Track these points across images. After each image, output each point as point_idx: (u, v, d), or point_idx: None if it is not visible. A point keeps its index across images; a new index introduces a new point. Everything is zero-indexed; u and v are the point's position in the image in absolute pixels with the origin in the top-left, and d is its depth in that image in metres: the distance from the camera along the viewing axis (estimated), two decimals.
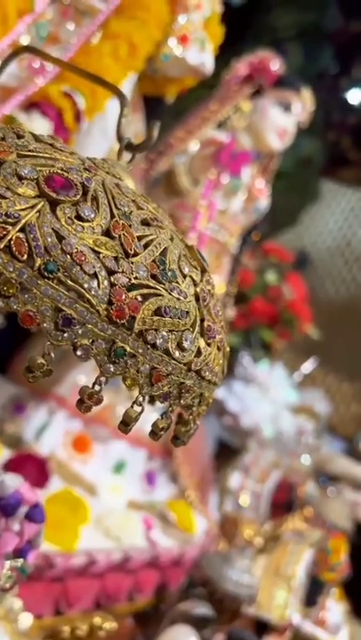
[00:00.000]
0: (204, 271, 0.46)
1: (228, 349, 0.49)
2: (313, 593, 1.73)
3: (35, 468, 1.41)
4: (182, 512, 1.64)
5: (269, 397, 1.99)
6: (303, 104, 1.88)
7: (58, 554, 1.15)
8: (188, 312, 0.42)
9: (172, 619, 1.16)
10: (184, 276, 0.43)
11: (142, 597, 1.43)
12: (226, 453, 2.14)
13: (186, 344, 0.41)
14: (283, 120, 1.83)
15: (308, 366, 2.39)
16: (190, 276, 0.43)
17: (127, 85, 1.44)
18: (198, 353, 0.43)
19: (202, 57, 1.51)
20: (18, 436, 1.52)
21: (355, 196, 3.40)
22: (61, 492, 1.36)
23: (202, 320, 0.43)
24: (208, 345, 0.44)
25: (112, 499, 1.54)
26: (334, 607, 1.87)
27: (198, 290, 0.44)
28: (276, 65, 1.86)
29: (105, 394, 1.52)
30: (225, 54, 2.01)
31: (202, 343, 0.43)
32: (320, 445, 2.21)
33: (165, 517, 1.60)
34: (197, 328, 0.43)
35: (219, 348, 0.46)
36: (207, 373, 0.44)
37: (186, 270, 0.43)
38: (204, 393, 0.45)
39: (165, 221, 0.46)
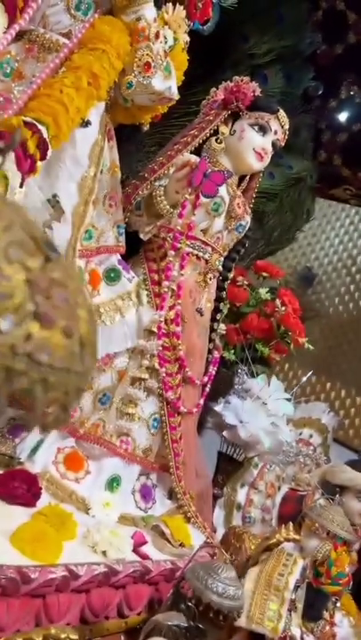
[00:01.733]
0: (48, 260, 0.48)
1: (89, 338, 0.50)
2: (316, 606, 1.69)
3: (25, 486, 1.43)
4: (177, 527, 1.63)
5: (267, 410, 2.00)
6: (280, 125, 1.92)
7: (34, 568, 1.14)
8: (10, 295, 0.44)
9: (147, 631, 1.15)
10: (10, 262, 0.45)
11: (134, 613, 1.42)
12: (229, 467, 2.14)
13: (4, 325, 0.43)
14: (260, 140, 1.88)
15: (304, 378, 2.40)
16: (21, 263, 0.46)
17: (94, 114, 1.50)
18: (28, 337, 0.44)
19: (167, 83, 1.57)
20: (10, 455, 1.55)
21: (354, 212, 3.44)
22: (47, 508, 1.36)
23: (36, 305, 0.45)
24: (45, 329, 0.45)
25: (105, 515, 1.54)
26: (343, 621, 1.83)
27: (31, 276, 0.46)
28: (251, 88, 1.91)
29: (95, 411, 1.55)
30: (205, 83, 2.08)
31: (34, 328, 0.45)
32: (322, 456, 2.19)
33: (160, 532, 1.60)
34: (26, 312, 0.44)
35: (67, 335, 0.47)
36: (45, 357, 0.45)
37: (14, 257, 0.45)
38: (47, 378, 0.46)
39: (9, 215, 0.48)
